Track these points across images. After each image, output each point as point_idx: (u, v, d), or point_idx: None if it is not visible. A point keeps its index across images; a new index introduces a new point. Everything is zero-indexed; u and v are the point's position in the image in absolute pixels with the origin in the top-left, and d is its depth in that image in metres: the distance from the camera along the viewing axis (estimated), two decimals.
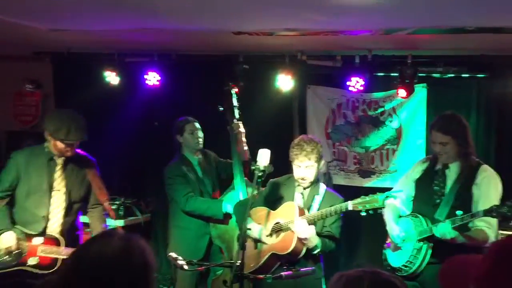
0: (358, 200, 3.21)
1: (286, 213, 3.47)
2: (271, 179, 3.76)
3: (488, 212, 2.96)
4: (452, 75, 4.83)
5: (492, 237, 3.22)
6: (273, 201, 3.61)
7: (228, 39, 4.56)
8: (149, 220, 5.66)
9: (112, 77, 5.36)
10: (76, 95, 5.38)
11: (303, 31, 4.21)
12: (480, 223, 3.22)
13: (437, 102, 4.95)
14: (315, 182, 3.57)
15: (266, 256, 3.47)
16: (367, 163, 5.21)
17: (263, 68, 5.14)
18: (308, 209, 3.51)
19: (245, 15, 3.82)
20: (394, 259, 3.56)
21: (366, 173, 5.23)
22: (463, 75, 4.84)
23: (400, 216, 3.61)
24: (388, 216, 3.58)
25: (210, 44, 5.01)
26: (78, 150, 3.70)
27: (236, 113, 4.28)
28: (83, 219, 4.14)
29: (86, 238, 4.22)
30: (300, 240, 3.34)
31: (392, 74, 4.91)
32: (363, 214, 3.22)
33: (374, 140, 5.18)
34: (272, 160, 3.20)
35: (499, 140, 4.84)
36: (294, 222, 3.33)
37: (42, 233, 3.56)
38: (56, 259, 3.46)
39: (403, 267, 3.43)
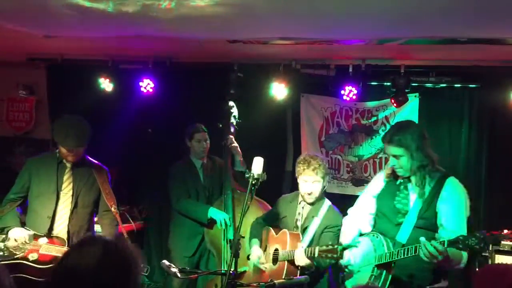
0: (324, 247, 3.15)
1: (282, 240, 3.60)
2: (283, 195, 3.94)
3: (452, 243, 2.61)
4: (445, 85, 4.88)
5: (465, 260, 2.85)
6: (278, 218, 3.77)
7: (223, 47, 4.58)
8: (142, 227, 5.64)
9: (106, 84, 5.36)
10: (69, 102, 5.38)
11: (297, 40, 4.25)
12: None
13: (429, 111, 5.00)
14: (320, 199, 3.63)
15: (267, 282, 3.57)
16: (360, 172, 5.24)
17: (257, 77, 5.16)
18: (304, 230, 3.57)
19: (240, 24, 3.84)
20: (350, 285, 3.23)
21: (359, 182, 5.25)
22: (455, 85, 4.89)
23: (361, 234, 3.29)
24: (345, 235, 3.33)
25: (205, 52, 5.03)
26: (90, 158, 3.86)
27: (231, 128, 4.46)
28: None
29: None
30: (292, 266, 3.45)
31: (385, 83, 4.95)
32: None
33: (367, 149, 5.22)
34: (266, 168, 3.22)
35: (491, 150, 4.89)
36: (294, 252, 3.41)
37: (49, 234, 3.66)
38: (55, 257, 3.55)
39: None
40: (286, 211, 3.74)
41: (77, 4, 3.39)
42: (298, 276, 3.19)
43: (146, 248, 5.65)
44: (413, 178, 3.06)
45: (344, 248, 3.09)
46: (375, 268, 3.00)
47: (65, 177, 3.74)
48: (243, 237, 3.74)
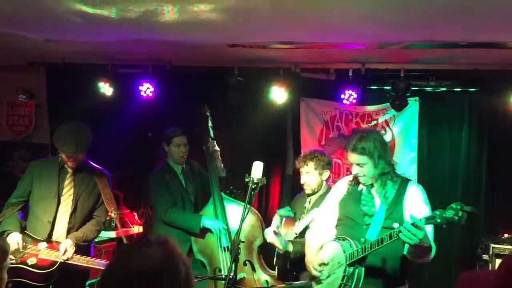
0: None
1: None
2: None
3: (429, 219, 2.61)
4: (445, 89, 4.88)
5: (434, 251, 2.88)
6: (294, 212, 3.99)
7: (223, 52, 4.58)
8: (141, 231, 5.63)
9: (106, 88, 5.36)
10: (69, 106, 5.37)
11: (297, 44, 4.25)
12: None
13: (430, 115, 5.00)
14: (323, 192, 3.70)
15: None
16: None
17: (257, 81, 5.16)
18: (300, 218, 3.74)
19: (240, 28, 3.85)
20: None
21: None
22: (455, 89, 4.89)
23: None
24: (309, 248, 3.28)
25: (204, 56, 5.03)
26: (92, 163, 3.87)
27: (211, 133, 4.40)
28: None
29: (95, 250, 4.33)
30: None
31: (385, 87, 4.94)
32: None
33: None
34: (265, 172, 3.21)
35: (491, 153, 4.88)
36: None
37: (49, 238, 3.66)
38: (54, 262, 3.57)
39: None
40: (297, 206, 3.91)
41: (81, 10, 3.39)
42: (299, 281, 3.19)
43: None
44: (375, 184, 3.09)
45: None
46: (347, 268, 2.92)
47: (66, 182, 3.75)
48: (243, 242, 3.73)
